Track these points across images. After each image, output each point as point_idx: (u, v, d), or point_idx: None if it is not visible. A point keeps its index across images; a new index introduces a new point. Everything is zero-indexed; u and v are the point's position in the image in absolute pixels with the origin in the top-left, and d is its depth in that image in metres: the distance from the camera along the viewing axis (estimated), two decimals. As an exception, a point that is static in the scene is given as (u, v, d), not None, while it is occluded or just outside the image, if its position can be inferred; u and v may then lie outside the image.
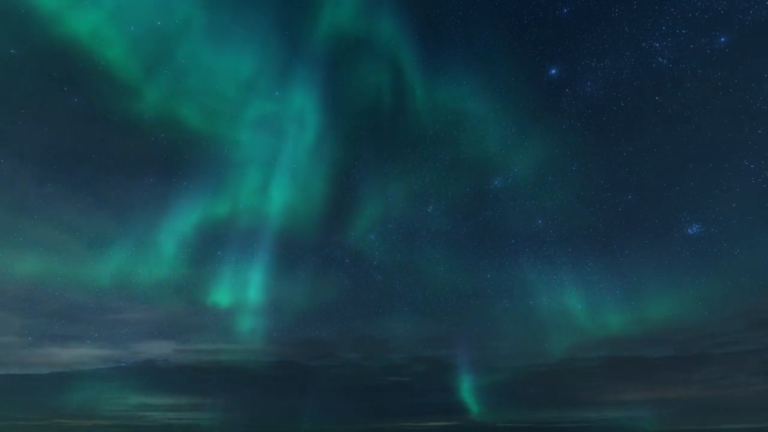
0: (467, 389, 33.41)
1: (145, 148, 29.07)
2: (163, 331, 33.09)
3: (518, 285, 31.73)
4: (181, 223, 31.22)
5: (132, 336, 32.35)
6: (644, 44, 25.79)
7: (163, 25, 27.51)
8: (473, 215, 31.47)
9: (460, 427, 32.44)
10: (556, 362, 32.69)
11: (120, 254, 30.64)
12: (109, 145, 28.72)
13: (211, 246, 32.04)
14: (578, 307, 31.03)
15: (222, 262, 32.40)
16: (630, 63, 26.23)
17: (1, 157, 26.92)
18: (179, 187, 30.41)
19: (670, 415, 29.84)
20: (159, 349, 33.11)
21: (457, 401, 33.20)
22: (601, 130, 27.88)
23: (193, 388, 33.45)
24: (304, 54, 30.50)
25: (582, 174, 29.33)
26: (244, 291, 32.93)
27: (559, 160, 29.36)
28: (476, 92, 29.42)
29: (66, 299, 30.37)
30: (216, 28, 28.74)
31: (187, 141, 29.91)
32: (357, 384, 33.82)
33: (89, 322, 31.04)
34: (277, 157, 32.53)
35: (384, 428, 32.30)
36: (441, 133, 30.48)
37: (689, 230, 28.07)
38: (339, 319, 33.45)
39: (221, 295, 32.71)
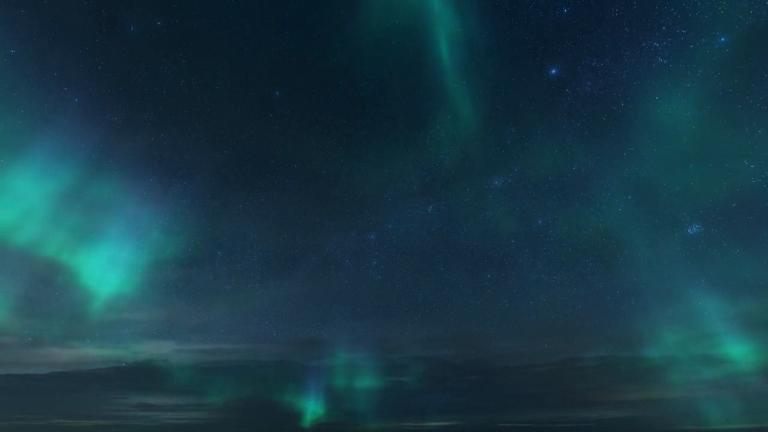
0: (467, 389, 33.49)
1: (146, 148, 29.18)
2: (163, 331, 33.19)
3: (518, 285, 31.73)
4: (180, 222, 31.29)
5: (132, 336, 32.46)
6: (644, 44, 25.76)
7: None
8: (473, 215, 31.38)
9: (460, 427, 32.46)
10: (556, 362, 32.78)
11: (120, 254, 30.75)
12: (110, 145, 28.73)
13: (211, 246, 32.16)
14: (578, 307, 31.09)
15: (222, 261, 32.54)
16: (630, 63, 26.19)
17: (2, 157, 26.97)
18: (179, 187, 30.53)
19: (670, 415, 29.85)
20: (159, 349, 33.17)
21: (456, 401, 33.26)
22: (601, 130, 27.86)
23: (193, 388, 33.45)
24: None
25: (582, 174, 29.29)
26: (244, 291, 33.04)
27: (559, 160, 29.31)
28: (476, 92, 29.38)
29: (66, 299, 30.50)
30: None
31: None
32: (357, 384, 33.82)
33: (89, 322, 31.14)
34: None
35: (384, 428, 32.33)
36: (441, 133, 30.42)
37: (689, 230, 28.06)
38: (339, 319, 33.52)
39: (221, 295, 32.80)
